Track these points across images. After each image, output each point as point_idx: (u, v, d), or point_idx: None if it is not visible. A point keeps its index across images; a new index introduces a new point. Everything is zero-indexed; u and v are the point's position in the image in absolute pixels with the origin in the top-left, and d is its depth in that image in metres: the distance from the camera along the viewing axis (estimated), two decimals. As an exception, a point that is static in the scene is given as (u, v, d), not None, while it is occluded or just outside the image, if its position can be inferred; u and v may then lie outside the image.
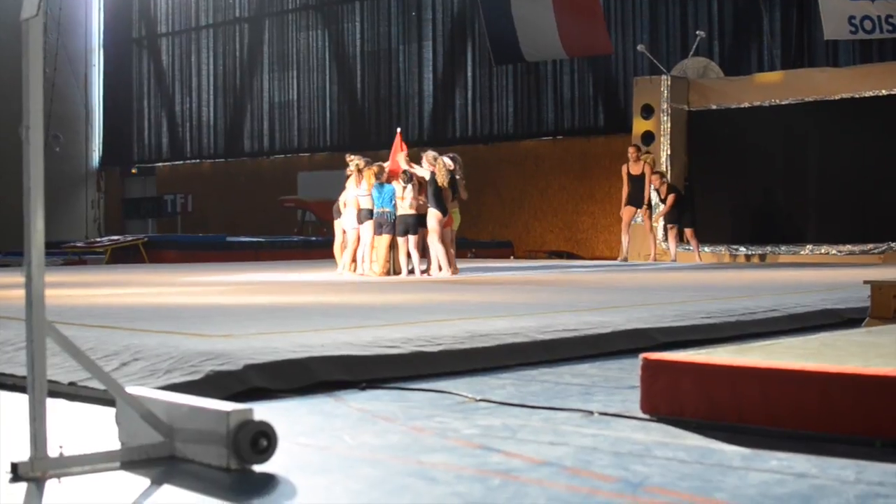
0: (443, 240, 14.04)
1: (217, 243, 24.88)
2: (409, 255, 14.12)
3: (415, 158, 14.83)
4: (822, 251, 19.42)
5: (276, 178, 32.00)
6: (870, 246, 18.91)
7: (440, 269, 13.90)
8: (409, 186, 13.82)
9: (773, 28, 23.50)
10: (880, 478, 2.68)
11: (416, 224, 13.85)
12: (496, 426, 3.50)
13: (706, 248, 20.83)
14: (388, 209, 13.89)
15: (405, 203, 13.81)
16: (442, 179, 13.87)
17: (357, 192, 14.34)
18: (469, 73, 28.64)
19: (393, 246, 14.29)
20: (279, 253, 24.27)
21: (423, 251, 14.19)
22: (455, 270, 14.18)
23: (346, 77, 31.23)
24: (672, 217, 19.84)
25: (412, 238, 13.91)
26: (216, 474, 2.87)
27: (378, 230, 14.10)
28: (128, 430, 3.15)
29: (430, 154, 14.24)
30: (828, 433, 3.12)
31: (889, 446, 2.99)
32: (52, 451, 2.84)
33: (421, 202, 13.91)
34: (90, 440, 3.26)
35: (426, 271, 14.08)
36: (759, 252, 20.21)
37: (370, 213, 14.11)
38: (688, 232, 19.78)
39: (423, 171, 14.01)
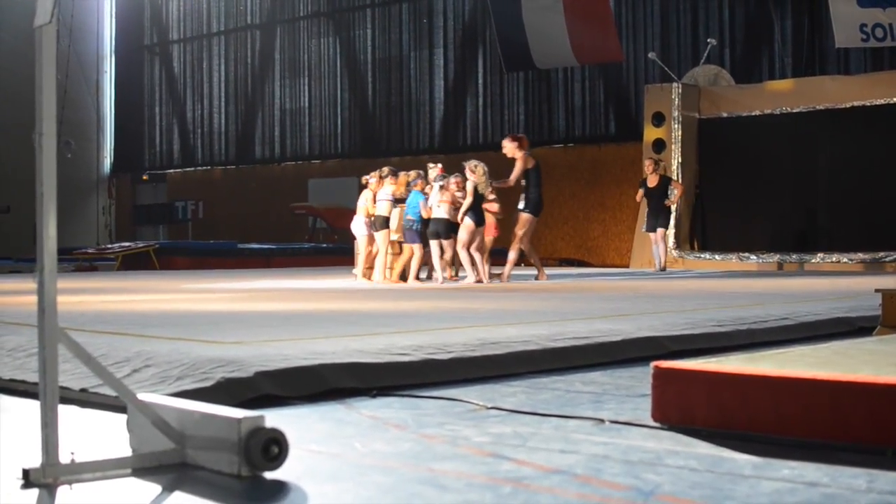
0: (478, 248, 14.05)
1: (228, 250, 24.92)
2: (446, 260, 14.16)
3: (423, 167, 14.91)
4: (833, 259, 19.38)
5: (287, 184, 32.04)
6: (881, 254, 18.88)
7: (480, 276, 13.96)
8: (445, 192, 13.84)
9: (784, 36, 23.47)
10: (892, 487, 2.67)
11: (448, 230, 13.83)
12: (507, 434, 3.50)
13: (716, 257, 20.81)
14: (413, 217, 13.92)
15: (442, 208, 13.80)
16: (483, 188, 13.86)
17: (379, 197, 14.33)
18: (480, 81, 28.65)
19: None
20: (290, 260, 24.32)
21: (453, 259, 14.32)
22: (480, 279, 14.18)
23: (357, 84, 31.28)
24: (650, 224, 19.27)
25: (444, 243, 13.91)
26: (227, 481, 2.87)
27: (404, 238, 14.21)
28: (139, 437, 3.16)
29: (471, 162, 14.15)
30: (839, 442, 3.12)
31: (901, 455, 2.99)
32: (64, 458, 2.85)
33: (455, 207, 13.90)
34: (101, 447, 3.27)
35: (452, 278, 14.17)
36: (769, 260, 20.15)
37: (385, 222, 14.14)
38: (660, 233, 18.97)
39: (469, 181, 13.93)
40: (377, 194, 14.34)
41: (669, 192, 19.23)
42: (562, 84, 27.00)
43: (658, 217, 18.80)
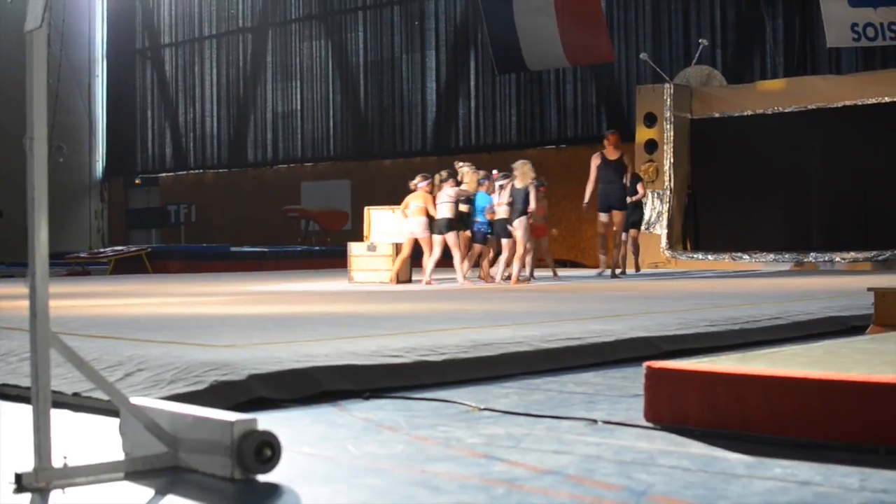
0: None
1: (220, 253, 24.91)
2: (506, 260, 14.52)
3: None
4: (826, 258, 19.39)
5: (279, 187, 32.03)
6: (873, 253, 18.89)
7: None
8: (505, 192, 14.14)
9: (775, 36, 23.49)
10: (884, 485, 2.68)
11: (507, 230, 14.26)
12: (500, 435, 3.50)
13: (709, 257, 20.82)
14: (480, 218, 14.18)
15: (503, 209, 14.12)
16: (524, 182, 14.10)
17: (440, 200, 14.44)
18: (472, 82, 28.65)
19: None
20: (282, 263, 24.31)
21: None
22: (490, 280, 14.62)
23: (349, 86, 31.27)
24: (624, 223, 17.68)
25: (504, 242, 14.28)
26: (220, 484, 2.87)
27: (474, 239, 14.70)
28: (132, 441, 3.15)
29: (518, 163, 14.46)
30: (832, 441, 3.12)
31: (893, 454, 2.99)
32: (57, 462, 2.84)
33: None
34: (94, 451, 3.26)
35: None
36: (763, 259, 20.14)
37: (449, 223, 14.25)
38: (632, 233, 18.28)
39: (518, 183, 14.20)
40: (437, 196, 14.44)
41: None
42: (554, 85, 27.01)
43: (629, 218, 18.06)
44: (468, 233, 14.62)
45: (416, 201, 14.60)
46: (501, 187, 14.18)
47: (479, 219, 14.35)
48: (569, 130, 26.88)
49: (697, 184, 21.87)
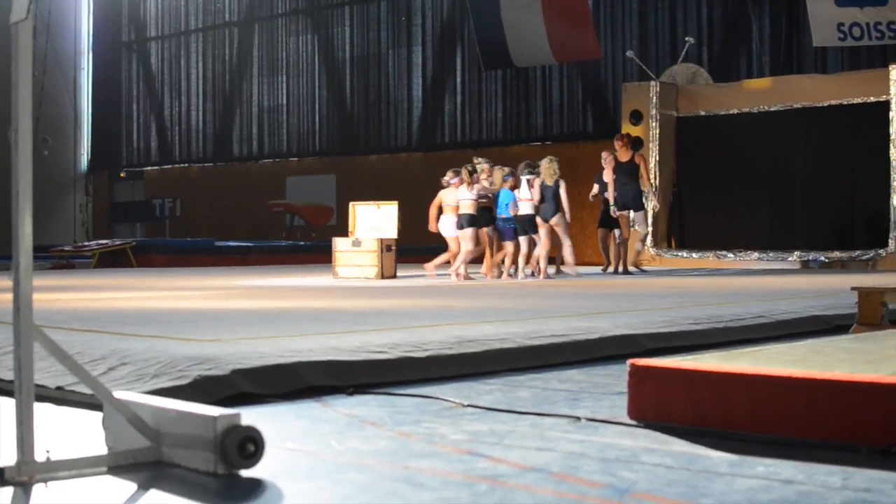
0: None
1: (205, 248, 24.87)
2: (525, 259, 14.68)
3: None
4: (810, 257, 19.43)
5: (264, 182, 31.97)
6: (857, 252, 18.94)
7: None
8: (533, 188, 14.24)
9: (762, 34, 23.52)
10: (866, 484, 2.68)
11: (534, 226, 14.42)
12: (483, 432, 3.50)
13: (694, 255, 20.84)
14: (505, 215, 14.24)
15: (527, 205, 14.20)
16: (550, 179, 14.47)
17: (464, 196, 14.46)
18: (458, 79, 28.63)
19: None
20: (267, 257, 24.27)
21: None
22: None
23: (335, 82, 31.22)
24: (604, 220, 17.41)
25: (530, 238, 14.40)
26: (203, 479, 2.87)
27: (501, 237, 14.78)
28: (115, 435, 3.15)
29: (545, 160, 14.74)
30: (815, 439, 3.13)
31: (875, 453, 3.00)
32: (39, 456, 2.84)
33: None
34: (77, 445, 3.25)
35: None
36: (748, 258, 20.16)
37: (472, 219, 14.30)
38: (617, 234, 17.46)
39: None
40: (461, 191, 14.52)
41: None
42: (540, 82, 27.01)
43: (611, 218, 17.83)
44: (486, 230, 14.72)
45: (451, 198, 14.69)
46: (529, 182, 14.27)
47: (504, 215, 14.39)
48: (555, 127, 26.89)
49: (683, 181, 21.89)
